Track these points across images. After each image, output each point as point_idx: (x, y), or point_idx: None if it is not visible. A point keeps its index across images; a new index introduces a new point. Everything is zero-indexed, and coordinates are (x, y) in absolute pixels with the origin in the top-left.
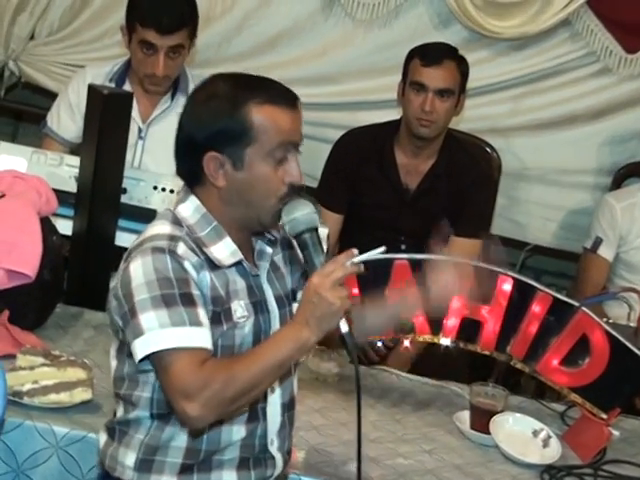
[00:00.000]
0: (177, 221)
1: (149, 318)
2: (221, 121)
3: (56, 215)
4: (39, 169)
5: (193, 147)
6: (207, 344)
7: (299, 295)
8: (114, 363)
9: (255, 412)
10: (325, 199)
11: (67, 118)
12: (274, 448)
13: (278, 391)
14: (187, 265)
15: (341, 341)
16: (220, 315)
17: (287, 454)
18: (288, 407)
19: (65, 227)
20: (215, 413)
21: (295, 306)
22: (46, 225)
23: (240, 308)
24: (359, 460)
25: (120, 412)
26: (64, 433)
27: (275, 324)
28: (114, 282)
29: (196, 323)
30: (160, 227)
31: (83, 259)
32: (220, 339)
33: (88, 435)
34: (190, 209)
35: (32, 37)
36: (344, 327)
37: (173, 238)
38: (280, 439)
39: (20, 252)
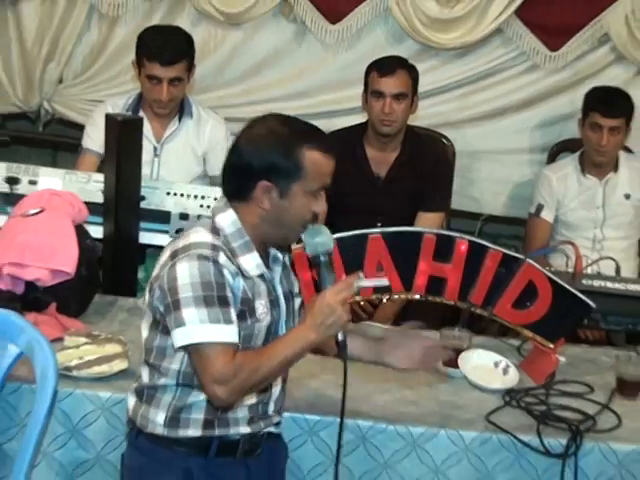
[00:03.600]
0: (215, 230)
1: (191, 313)
2: (278, 156)
3: (88, 222)
4: (71, 186)
5: (249, 172)
6: (236, 339)
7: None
8: (145, 334)
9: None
10: None
11: (96, 136)
12: (271, 410)
13: None
14: (226, 272)
15: (337, 345)
16: (246, 313)
17: (278, 413)
18: (284, 379)
19: (96, 232)
20: (239, 396)
21: (297, 301)
22: (80, 231)
23: (261, 306)
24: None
25: (146, 377)
26: (107, 397)
27: (283, 316)
28: (156, 272)
29: (229, 321)
30: (203, 235)
31: (114, 256)
32: (243, 330)
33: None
34: (228, 221)
35: (60, 81)
36: (341, 335)
37: (215, 248)
38: (275, 404)
39: (60, 254)
